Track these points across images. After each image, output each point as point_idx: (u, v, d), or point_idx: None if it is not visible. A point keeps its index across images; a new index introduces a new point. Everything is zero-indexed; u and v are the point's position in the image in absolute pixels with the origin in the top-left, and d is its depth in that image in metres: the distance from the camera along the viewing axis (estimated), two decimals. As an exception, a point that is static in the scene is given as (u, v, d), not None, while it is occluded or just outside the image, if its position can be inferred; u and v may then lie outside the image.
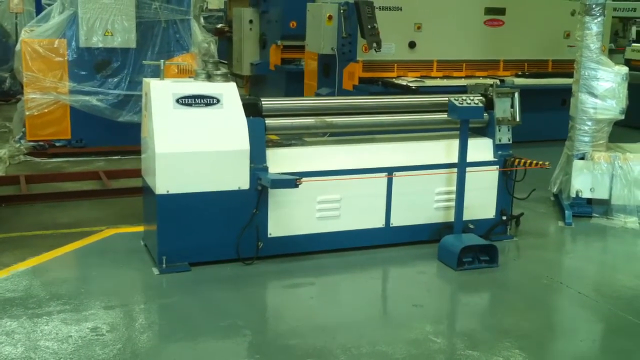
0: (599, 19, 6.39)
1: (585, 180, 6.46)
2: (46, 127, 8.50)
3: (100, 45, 8.42)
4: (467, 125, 5.37)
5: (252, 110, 5.22)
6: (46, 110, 8.41)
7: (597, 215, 6.52)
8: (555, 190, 6.88)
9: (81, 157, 8.51)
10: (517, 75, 9.85)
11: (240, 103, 5.12)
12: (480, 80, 8.94)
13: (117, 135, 8.52)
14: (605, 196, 6.45)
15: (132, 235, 5.73)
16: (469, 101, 5.35)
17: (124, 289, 4.76)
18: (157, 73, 5.39)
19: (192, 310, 4.45)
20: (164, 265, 4.97)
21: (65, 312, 4.33)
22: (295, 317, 4.46)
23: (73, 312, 4.34)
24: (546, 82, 9.73)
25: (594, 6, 6.38)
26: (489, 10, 9.80)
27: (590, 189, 6.45)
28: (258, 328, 4.34)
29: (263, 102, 5.32)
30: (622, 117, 6.50)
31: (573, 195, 6.49)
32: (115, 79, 8.60)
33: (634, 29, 13.61)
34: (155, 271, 5.00)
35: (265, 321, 4.53)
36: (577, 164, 6.49)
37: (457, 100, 5.34)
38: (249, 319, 4.40)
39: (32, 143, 8.53)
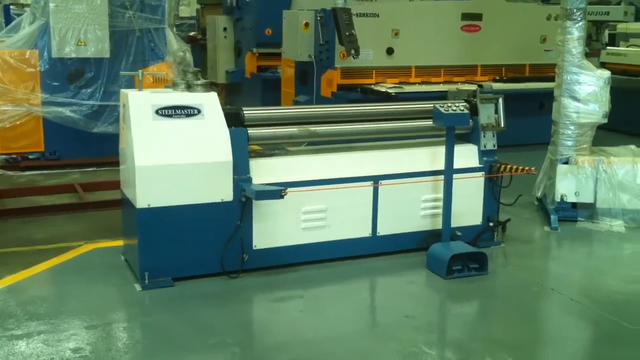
0: (580, 24, 6.37)
1: (569, 185, 6.43)
2: (19, 140, 8.29)
3: (73, 55, 8.24)
4: (453, 132, 5.30)
5: (234, 120, 5.10)
6: (18, 123, 8.19)
7: (582, 219, 6.49)
8: (539, 194, 6.84)
9: (55, 169, 8.30)
10: (495, 80, 9.83)
11: (221, 113, 5.01)
12: (459, 86, 8.91)
13: (92, 146, 8.38)
14: (590, 200, 6.42)
15: (111, 250, 5.57)
16: (454, 108, 5.28)
17: (106, 307, 4.59)
18: (131, 83, 5.25)
19: (178, 328, 4.30)
20: (146, 281, 4.82)
21: (46, 333, 4.16)
22: (284, 332, 4.34)
23: (54, 332, 4.18)
24: (524, 87, 9.72)
25: (575, 11, 6.36)
26: (465, 16, 9.78)
27: (575, 193, 6.42)
28: (246, 344, 4.22)
29: (245, 112, 5.20)
30: (605, 120, 6.49)
31: (558, 199, 6.46)
32: (89, 90, 8.42)
33: (606, 33, 13.70)
34: (138, 287, 4.85)
35: (254, 337, 4.41)
36: (561, 168, 6.45)
37: (443, 107, 5.27)
38: (237, 335, 4.28)
39: (4, 156, 8.33)
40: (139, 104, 4.87)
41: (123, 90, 5.14)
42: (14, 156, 8.35)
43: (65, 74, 8.34)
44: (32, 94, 8.20)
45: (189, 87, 5.09)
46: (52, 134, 8.35)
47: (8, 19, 12.11)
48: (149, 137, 4.80)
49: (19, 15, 10.61)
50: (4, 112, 8.13)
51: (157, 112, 4.85)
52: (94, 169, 8.35)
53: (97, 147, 8.29)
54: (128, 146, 4.89)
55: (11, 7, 13.68)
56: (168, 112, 4.88)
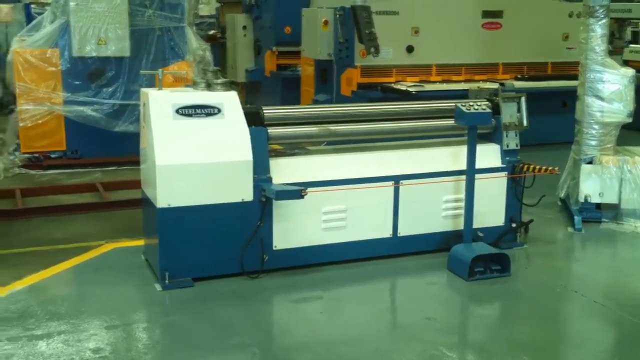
0: (603, 21, 6.28)
1: (593, 185, 6.34)
2: (41, 139, 8.35)
3: (94, 54, 8.27)
4: (475, 132, 5.24)
5: (254, 119, 5.08)
6: (40, 122, 8.26)
7: (606, 220, 6.39)
8: (562, 195, 6.76)
9: (77, 168, 8.34)
10: (517, 79, 9.75)
11: (241, 112, 4.99)
12: (480, 84, 8.83)
13: (113, 145, 8.40)
14: (614, 200, 6.32)
15: (132, 250, 5.57)
16: (476, 107, 5.22)
17: (126, 307, 4.59)
18: (152, 82, 5.25)
19: (198, 329, 4.29)
20: (166, 281, 4.81)
21: (66, 333, 4.17)
22: (304, 333, 4.31)
23: (74, 332, 4.18)
24: (546, 85, 9.63)
25: (597, 8, 6.27)
26: (486, 14, 9.71)
27: (599, 194, 6.33)
28: (267, 345, 4.20)
29: (265, 111, 5.18)
30: (630, 120, 6.39)
31: (582, 200, 6.37)
32: (110, 89, 8.46)
33: (629, 30, 13.50)
34: (158, 287, 4.85)
35: (274, 338, 4.39)
36: (585, 168, 6.37)
37: (464, 106, 5.22)
38: (257, 336, 4.26)
39: (26, 155, 8.37)
40: (159, 103, 4.87)
41: (143, 90, 5.13)
42: (36, 155, 8.40)
43: (86, 73, 8.38)
44: (53, 93, 8.25)
45: (209, 86, 5.08)
46: (74, 133, 8.39)
47: (29, 18, 12.17)
48: (169, 136, 4.80)
49: (39, 14, 10.64)
50: (26, 111, 8.19)
51: (177, 111, 4.85)
52: (116, 168, 8.38)
53: (118, 146, 8.30)
54: (148, 145, 4.88)
55: (32, 6, 13.75)
56: (188, 111, 4.87)
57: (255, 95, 12.54)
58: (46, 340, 4.08)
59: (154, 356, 3.98)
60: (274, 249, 5.07)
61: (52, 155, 8.44)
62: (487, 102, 5.60)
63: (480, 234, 5.51)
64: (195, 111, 4.89)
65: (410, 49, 9.28)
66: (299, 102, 10.35)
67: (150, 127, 4.79)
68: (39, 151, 8.39)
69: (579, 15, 6.62)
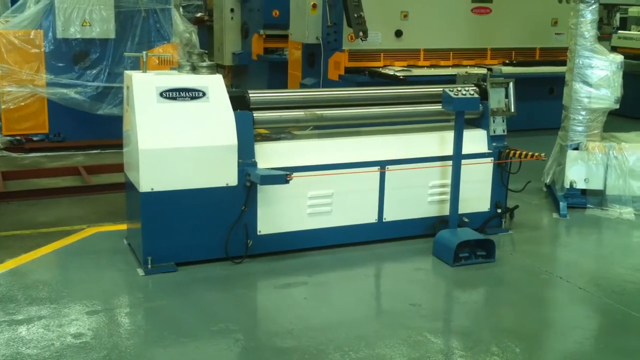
0: (594, 6, 6.25)
1: (579, 171, 6.34)
2: (23, 121, 8.25)
3: (78, 36, 8.18)
4: (462, 117, 5.20)
5: (239, 103, 5.01)
6: (23, 104, 8.16)
7: (591, 206, 6.40)
8: (548, 181, 6.75)
9: (60, 151, 8.27)
10: (505, 64, 9.72)
11: (227, 96, 4.92)
12: (468, 69, 8.80)
13: (97, 128, 8.32)
14: (599, 187, 6.33)
15: (114, 234, 5.52)
16: (464, 92, 5.18)
17: (108, 292, 4.54)
18: (137, 64, 5.17)
19: (181, 314, 4.25)
20: (149, 266, 4.76)
21: (47, 318, 4.12)
22: (288, 319, 4.27)
23: (55, 317, 4.13)
24: (534, 71, 9.62)
25: (588, -7, 6.24)
26: (476, -2, 9.66)
27: (585, 180, 6.34)
28: (250, 331, 4.16)
29: (250, 95, 5.12)
30: (617, 106, 6.38)
31: (567, 186, 6.37)
32: (94, 71, 8.36)
33: (618, 16, 13.48)
34: (141, 272, 4.80)
35: (258, 324, 4.35)
36: (571, 154, 6.36)
37: (452, 91, 5.17)
38: (241, 321, 4.22)
39: (8, 138, 8.29)
40: (143, 86, 4.79)
41: (127, 72, 5.06)
42: (18, 137, 8.32)
43: (70, 55, 8.29)
44: (36, 75, 8.15)
45: (194, 69, 5.01)
46: (57, 115, 8.31)
47: (14, -1, 12.01)
48: (153, 119, 4.73)
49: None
50: (9, 93, 8.10)
51: (161, 94, 4.78)
52: (99, 151, 8.32)
53: (101, 129, 8.21)
54: (132, 129, 4.82)
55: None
56: (172, 94, 4.80)
57: (242, 78, 12.45)
58: (26, 325, 4.03)
59: (136, 342, 3.94)
60: (258, 233, 5.03)
61: (35, 138, 8.36)
62: (475, 88, 5.57)
63: (466, 220, 5.50)
64: (179, 94, 4.82)
65: (398, 34, 9.22)
66: (286, 86, 10.29)
67: (134, 110, 4.73)
68: (21, 134, 8.31)
69: (569, 0, 6.59)
